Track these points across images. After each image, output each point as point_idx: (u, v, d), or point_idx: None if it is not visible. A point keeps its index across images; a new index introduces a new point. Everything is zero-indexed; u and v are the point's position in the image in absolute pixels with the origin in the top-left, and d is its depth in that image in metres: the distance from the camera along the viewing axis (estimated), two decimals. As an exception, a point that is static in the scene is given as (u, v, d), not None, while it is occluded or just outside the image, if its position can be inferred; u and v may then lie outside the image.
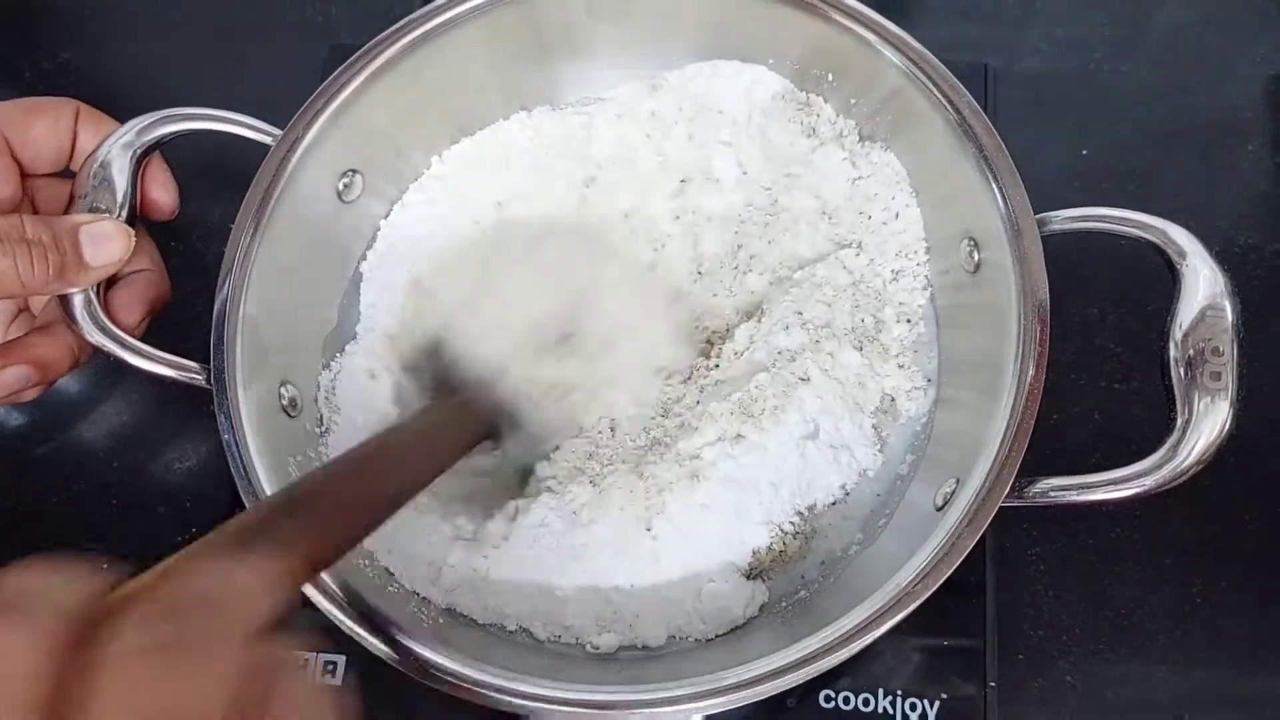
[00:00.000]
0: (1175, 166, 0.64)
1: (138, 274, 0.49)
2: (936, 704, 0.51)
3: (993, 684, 0.52)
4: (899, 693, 0.52)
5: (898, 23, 0.50)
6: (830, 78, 0.55)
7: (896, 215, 0.54)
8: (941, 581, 0.43)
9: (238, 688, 0.23)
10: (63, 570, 0.24)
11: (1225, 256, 0.44)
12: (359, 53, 0.52)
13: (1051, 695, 0.54)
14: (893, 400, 0.52)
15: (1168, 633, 0.54)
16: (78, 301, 0.47)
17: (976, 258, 0.50)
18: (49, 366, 0.47)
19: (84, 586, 0.24)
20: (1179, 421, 0.42)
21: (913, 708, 0.51)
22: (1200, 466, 0.42)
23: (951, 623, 0.53)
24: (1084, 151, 0.64)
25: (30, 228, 0.44)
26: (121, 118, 0.50)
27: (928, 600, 0.50)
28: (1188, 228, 0.44)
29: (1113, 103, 0.65)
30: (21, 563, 0.24)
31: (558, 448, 0.53)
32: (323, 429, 0.53)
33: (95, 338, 0.47)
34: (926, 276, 0.54)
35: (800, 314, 0.51)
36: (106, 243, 0.46)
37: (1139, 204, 0.60)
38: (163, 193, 0.50)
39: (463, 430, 0.48)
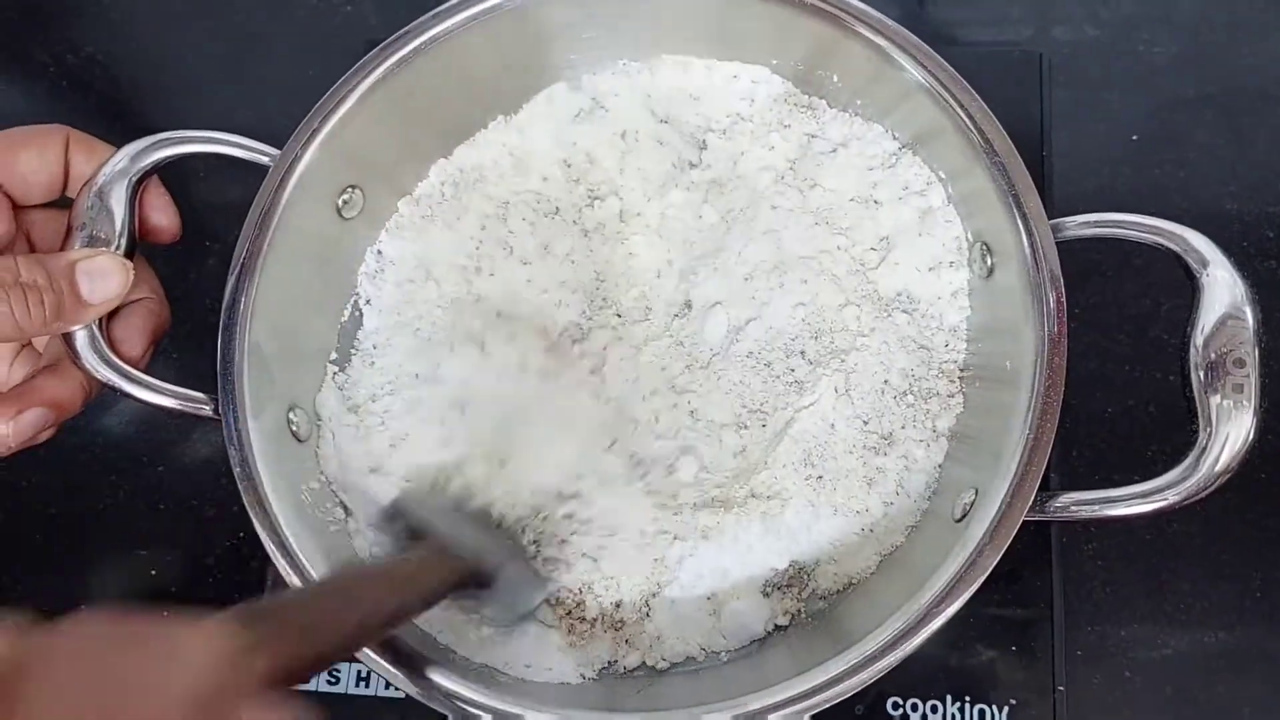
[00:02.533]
0: (1230, 147, 0.62)
1: (138, 304, 0.48)
2: (1005, 710, 0.52)
3: (1061, 688, 0.52)
4: (967, 699, 0.52)
5: (936, 4, 0.48)
6: (835, 79, 0.54)
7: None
8: (964, 601, 0.42)
9: None
10: None
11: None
12: (354, 68, 0.51)
13: (1111, 692, 0.54)
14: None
15: (1228, 628, 0.54)
16: (80, 338, 0.46)
17: (989, 262, 0.50)
18: (63, 407, 0.46)
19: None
20: (1201, 435, 0.42)
21: (981, 715, 0.52)
22: (1225, 478, 0.41)
23: (1019, 626, 0.53)
24: (1134, 137, 0.63)
25: (25, 270, 0.43)
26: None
27: (994, 601, 0.52)
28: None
29: (1161, 84, 0.64)
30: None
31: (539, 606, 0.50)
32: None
33: (102, 373, 0.46)
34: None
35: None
36: (104, 278, 0.45)
37: (1195, 191, 0.61)
38: (163, 217, 0.49)
39: (440, 578, 0.44)
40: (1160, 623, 0.54)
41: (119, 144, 0.48)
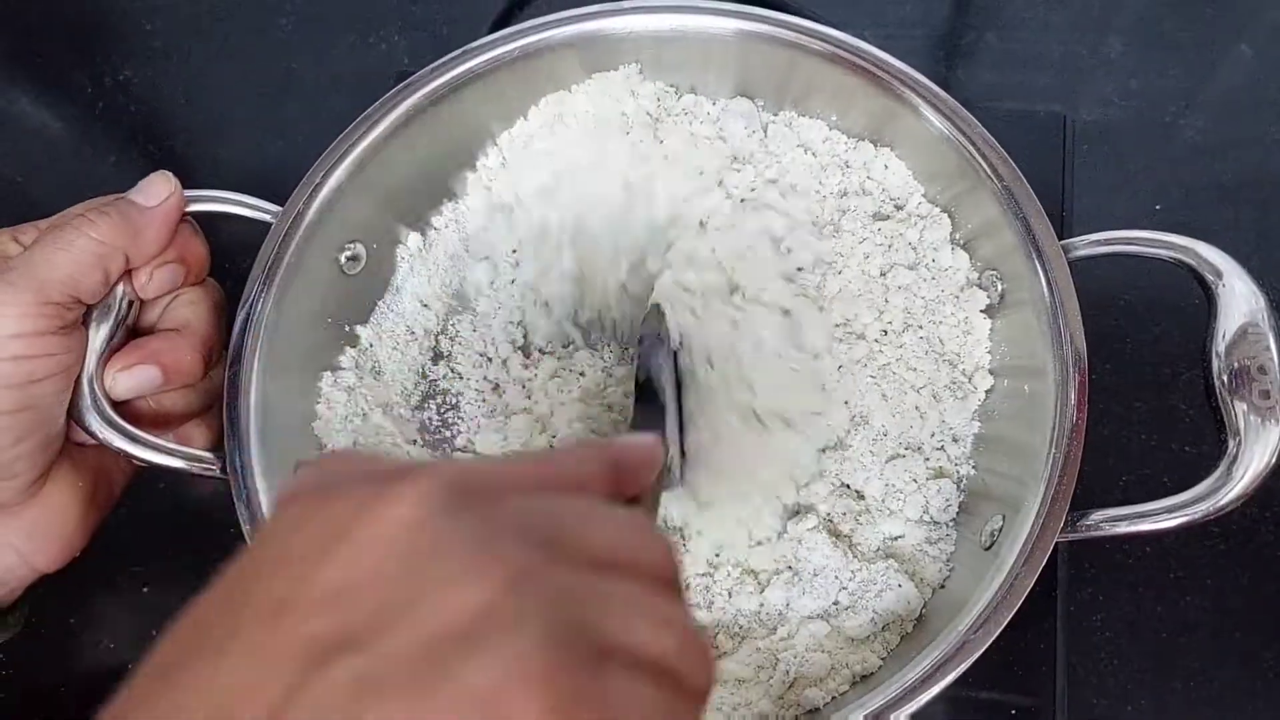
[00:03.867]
0: (1252, 223, 0.62)
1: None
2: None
3: None
4: None
5: (966, 70, 0.48)
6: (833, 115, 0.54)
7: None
8: (1003, 627, 0.41)
9: None
10: None
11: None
12: (354, 123, 0.51)
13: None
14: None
15: (1238, 707, 0.52)
16: (85, 399, 0.45)
17: (1000, 288, 0.50)
18: (175, 370, 0.46)
19: None
20: (1229, 444, 0.41)
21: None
22: (1255, 487, 0.41)
23: (1021, 688, 0.51)
24: (1157, 207, 0.62)
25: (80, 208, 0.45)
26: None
27: (997, 664, 0.49)
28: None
29: (1185, 156, 0.64)
30: None
31: None
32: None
33: (103, 435, 0.45)
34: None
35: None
36: (150, 185, 0.46)
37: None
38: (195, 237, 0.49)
39: None
40: (1169, 700, 0.52)
41: (143, 173, 0.47)
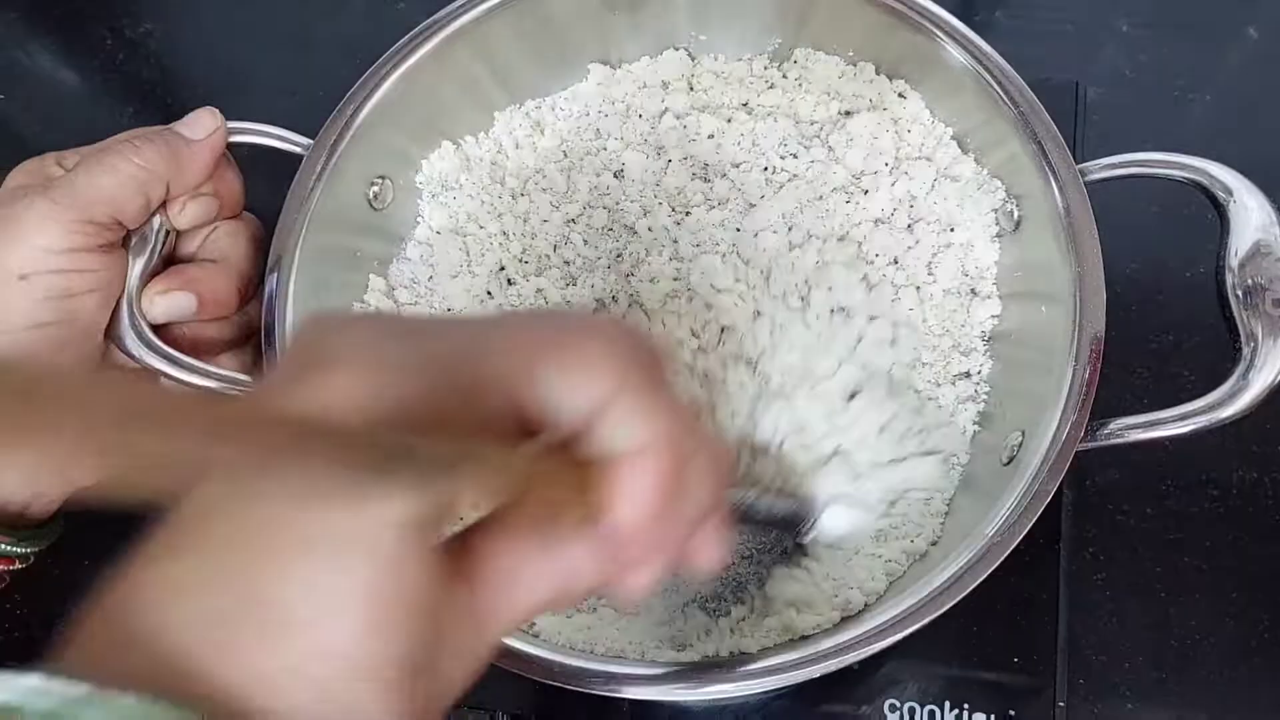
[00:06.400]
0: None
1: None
2: (1004, 721, 0.51)
3: (1061, 703, 0.51)
4: (965, 706, 0.51)
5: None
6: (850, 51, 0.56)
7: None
8: (1026, 531, 0.42)
9: None
10: None
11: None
12: (382, 59, 0.52)
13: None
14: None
15: (1232, 667, 0.52)
16: (123, 320, 0.46)
17: (1016, 214, 0.51)
18: (210, 300, 0.47)
19: None
20: (1244, 349, 0.43)
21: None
22: (1268, 393, 0.42)
23: (1022, 645, 0.52)
24: None
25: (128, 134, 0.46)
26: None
27: (1000, 621, 0.51)
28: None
29: (1195, 133, 0.64)
30: None
31: None
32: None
33: (138, 353, 0.46)
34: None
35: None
36: (196, 118, 0.48)
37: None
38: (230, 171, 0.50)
39: None
40: (1165, 657, 0.53)
41: (163, 122, 0.48)
